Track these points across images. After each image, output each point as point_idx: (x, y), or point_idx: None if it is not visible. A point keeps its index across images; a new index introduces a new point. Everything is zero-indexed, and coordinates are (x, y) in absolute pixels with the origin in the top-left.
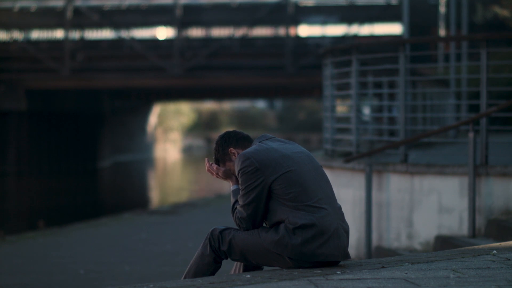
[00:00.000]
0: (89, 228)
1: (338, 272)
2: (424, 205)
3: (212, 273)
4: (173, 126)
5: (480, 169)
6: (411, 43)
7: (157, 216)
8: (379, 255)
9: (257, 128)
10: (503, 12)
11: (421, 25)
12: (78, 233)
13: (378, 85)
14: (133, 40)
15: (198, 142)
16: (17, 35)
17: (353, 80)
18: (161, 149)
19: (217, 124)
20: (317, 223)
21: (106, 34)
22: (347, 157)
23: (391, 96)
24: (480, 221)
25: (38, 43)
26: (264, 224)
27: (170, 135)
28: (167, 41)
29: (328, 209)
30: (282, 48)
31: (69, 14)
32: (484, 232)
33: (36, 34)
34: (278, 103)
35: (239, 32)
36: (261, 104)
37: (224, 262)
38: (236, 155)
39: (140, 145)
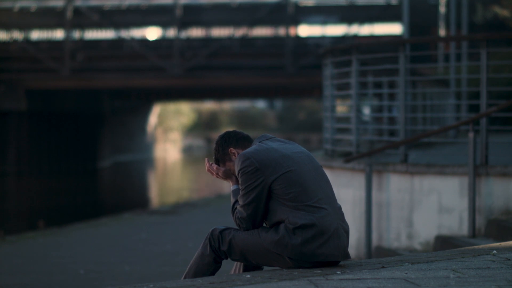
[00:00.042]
0: (89, 228)
1: (338, 272)
2: (424, 205)
3: (212, 273)
4: (173, 126)
5: (480, 169)
6: (411, 43)
7: (157, 216)
8: (379, 255)
9: (257, 128)
10: (503, 12)
11: (421, 25)
12: (78, 233)
13: (378, 85)
14: (133, 40)
15: (198, 142)
16: (17, 35)
17: (353, 80)
18: (161, 149)
19: (217, 124)
20: (317, 223)
21: (106, 34)
22: (347, 157)
23: (391, 96)
24: (480, 221)
25: (38, 43)
26: (264, 224)
27: (170, 135)
28: (167, 41)
29: (328, 209)
30: (282, 48)
31: (69, 14)
32: (484, 232)
33: (36, 34)
34: (278, 103)
35: (239, 32)
36: (261, 104)
37: (224, 262)
38: (236, 155)
39: (140, 145)
